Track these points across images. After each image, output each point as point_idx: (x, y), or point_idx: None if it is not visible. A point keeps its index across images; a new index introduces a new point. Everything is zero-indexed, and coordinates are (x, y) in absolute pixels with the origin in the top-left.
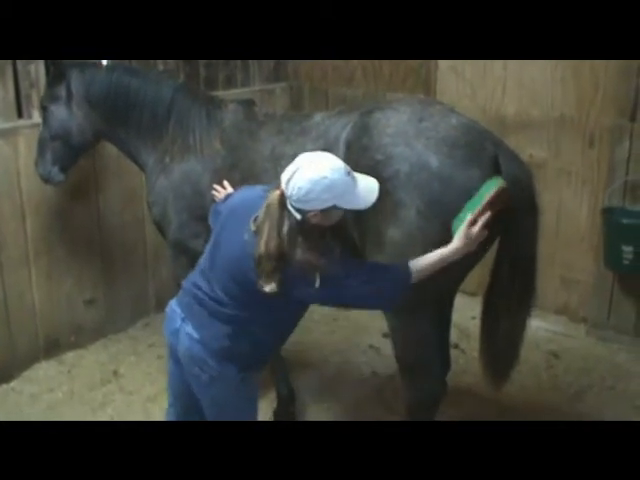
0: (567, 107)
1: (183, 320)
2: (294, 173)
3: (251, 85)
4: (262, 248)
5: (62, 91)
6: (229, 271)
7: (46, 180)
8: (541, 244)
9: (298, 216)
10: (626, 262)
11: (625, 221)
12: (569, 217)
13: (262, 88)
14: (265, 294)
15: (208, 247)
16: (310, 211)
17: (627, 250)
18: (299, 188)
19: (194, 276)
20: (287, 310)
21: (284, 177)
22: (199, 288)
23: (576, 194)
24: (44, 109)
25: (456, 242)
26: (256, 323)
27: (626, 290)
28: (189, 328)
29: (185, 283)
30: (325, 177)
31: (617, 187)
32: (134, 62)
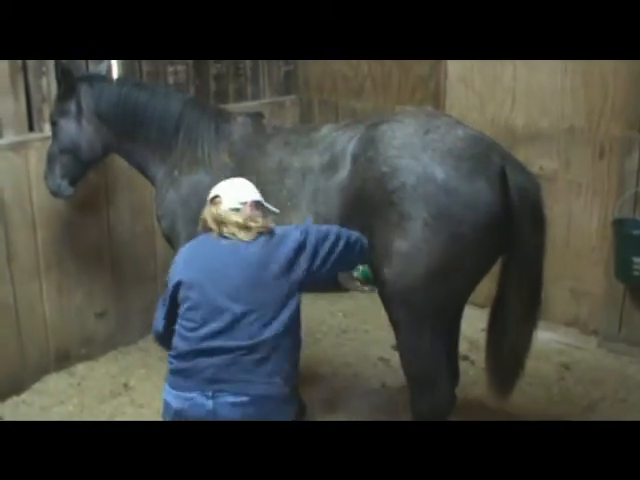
0: (577, 118)
1: (214, 396)
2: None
3: (261, 98)
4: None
5: (72, 106)
6: (248, 291)
7: (55, 194)
8: (551, 256)
9: None
10: (637, 273)
11: (636, 232)
12: (579, 229)
13: (272, 101)
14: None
15: (199, 315)
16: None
17: (638, 262)
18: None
19: (197, 354)
20: (297, 303)
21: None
22: (217, 353)
23: (586, 206)
24: (54, 124)
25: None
26: (287, 334)
27: (637, 302)
28: (229, 396)
29: (183, 364)
30: None
31: (627, 198)
32: (144, 64)
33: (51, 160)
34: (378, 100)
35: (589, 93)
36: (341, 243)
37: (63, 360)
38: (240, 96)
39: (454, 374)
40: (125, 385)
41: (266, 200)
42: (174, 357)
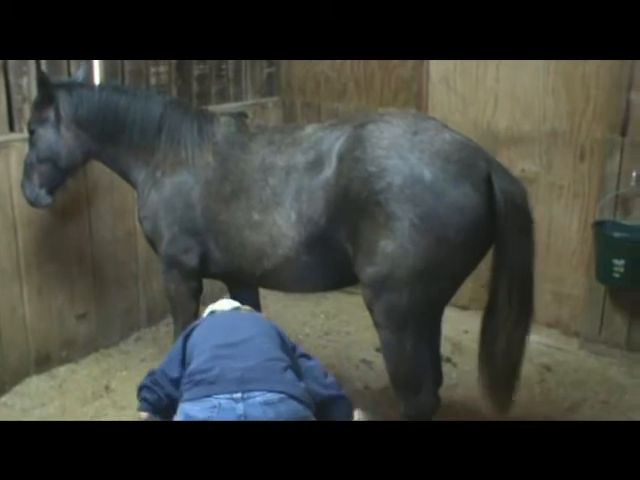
0: (558, 120)
1: (242, 398)
2: None
3: (244, 99)
4: None
5: (50, 114)
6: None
7: (33, 203)
8: None
9: None
10: (617, 276)
11: (616, 235)
12: (560, 231)
13: (255, 102)
14: None
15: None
16: None
17: (618, 264)
18: None
19: (217, 358)
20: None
21: None
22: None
23: (567, 208)
24: (31, 132)
25: None
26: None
27: (617, 304)
28: (259, 395)
29: (204, 375)
30: None
31: (608, 201)
32: (127, 64)
33: (28, 169)
34: (361, 102)
35: (571, 95)
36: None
37: (44, 362)
38: (222, 97)
39: (437, 376)
40: (106, 387)
41: (250, 199)
42: (190, 375)
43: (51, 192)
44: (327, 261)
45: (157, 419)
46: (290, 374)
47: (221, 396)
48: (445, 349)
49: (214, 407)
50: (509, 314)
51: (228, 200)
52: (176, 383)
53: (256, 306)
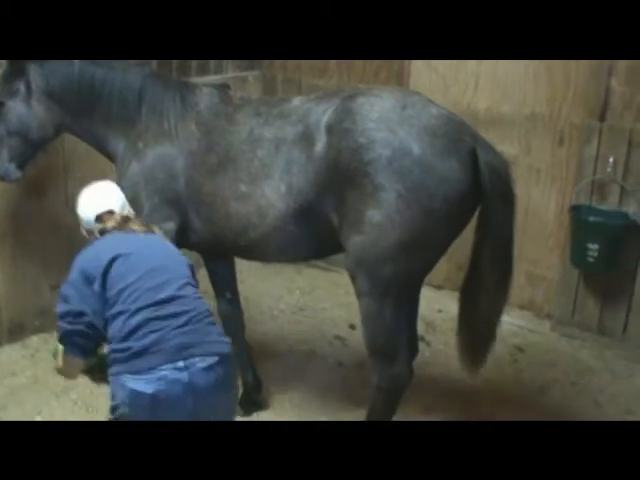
0: (538, 104)
1: (185, 367)
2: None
3: (224, 72)
4: None
5: (20, 86)
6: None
7: (2, 178)
8: None
9: None
10: (591, 260)
11: (592, 219)
12: (537, 214)
13: (235, 76)
14: None
15: (135, 289)
16: None
17: (593, 248)
18: None
19: (152, 321)
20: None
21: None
22: (171, 318)
23: (544, 191)
24: (1, 105)
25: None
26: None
27: (591, 288)
28: (200, 361)
29: (143, 341)
30: None
31: (585, 185)
32: None
33: None
34: (342, 79)
35: (551, 80)
36: None
37: (17, 332)
38: (202, 70)
39: (413, 348)
40: None
41: (238, 170)
42: (124, 340)
43: (21, 166)
44: (311, 231)
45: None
46: (216, 326)
47: (164, 367)
48: (419, 328)
49: (160, 379)
50: (491, 275)
51: (213, 171)
52: (99, 313)
53: (232, 279)
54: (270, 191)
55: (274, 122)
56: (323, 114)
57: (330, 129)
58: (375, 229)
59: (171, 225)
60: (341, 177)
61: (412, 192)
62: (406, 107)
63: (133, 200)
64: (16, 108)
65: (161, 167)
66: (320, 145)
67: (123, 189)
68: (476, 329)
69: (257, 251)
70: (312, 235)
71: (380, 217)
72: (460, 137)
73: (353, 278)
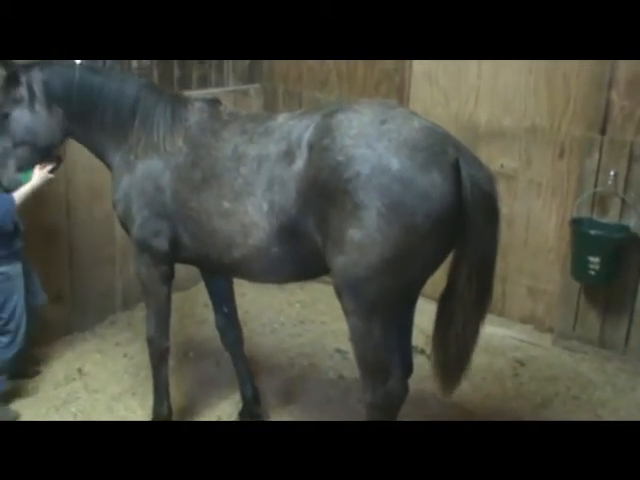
0: (539, 117)
1: None
2: None
3: (225, 85)
4: None
5: (23, 93)
6: None
7: (10, 189)
8: (509, 253)
9: None
10: (592, 273)
11: (592, 232)
12: (538, 227)
13: (236, 89)
14: None
15: None
16: None
17: (594, 261)
18: None
19: None
20: None
21: None
22: None
23: (545, 205)
24: (4, 117)
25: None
26: None
27: (592, 301)
28: None
29: None
30: None
31: (586, 199)
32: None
33: (2, 158)
34: (343, 92)
35: (552, 93)
36: None
37: None
38: (204, 83)
39: (407, 365)
40: (79, 370)
41: (222, 187)
42: None
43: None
44: (297, 252)
45: None
46: None
47: None
48: (419, 341)
49: None
50: (468, 298)
51: (198, 187)
52: None
53: (229, 293)
54: (252, 209)
55: (259, 140)
56: (305, 131)
57: (311, 147)
58: (356, 248)
59: (162, 239)
60: (322, 195)
61: (392, 209)
62: (386, 121)
63: (126, 212)
64: (22, 116)
65: (149, 180)
66: (300, 162)
67: (117, 202)
68: (450, 348)
69: (242, 271)
70: (299, 256)
71: (361, 236)
72: (443, 149)
73: (339, 297)
